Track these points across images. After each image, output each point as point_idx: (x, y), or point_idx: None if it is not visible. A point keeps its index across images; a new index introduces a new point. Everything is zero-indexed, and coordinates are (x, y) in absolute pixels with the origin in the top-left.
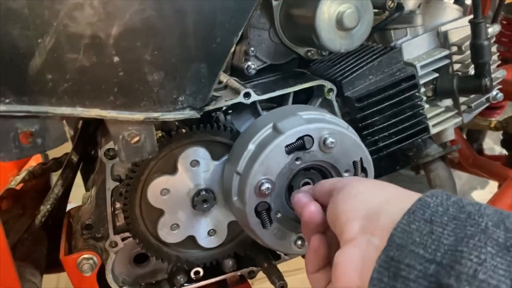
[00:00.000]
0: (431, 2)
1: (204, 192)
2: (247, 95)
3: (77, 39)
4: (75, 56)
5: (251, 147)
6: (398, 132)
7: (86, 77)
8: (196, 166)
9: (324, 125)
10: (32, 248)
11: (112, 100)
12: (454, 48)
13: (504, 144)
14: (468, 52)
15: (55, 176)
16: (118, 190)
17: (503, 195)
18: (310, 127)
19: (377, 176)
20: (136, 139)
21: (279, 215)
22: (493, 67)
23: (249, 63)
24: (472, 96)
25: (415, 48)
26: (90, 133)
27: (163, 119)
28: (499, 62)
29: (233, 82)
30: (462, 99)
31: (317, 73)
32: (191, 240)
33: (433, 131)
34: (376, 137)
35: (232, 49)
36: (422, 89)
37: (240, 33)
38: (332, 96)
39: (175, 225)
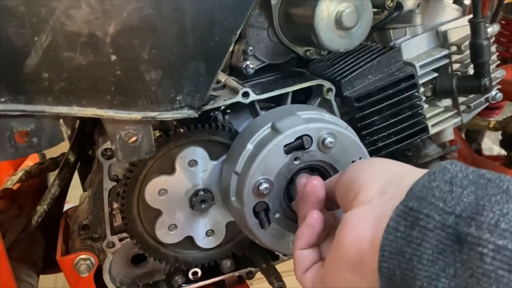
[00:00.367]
0: (431, 1)
1: (202, 192)
2: (245, 94)
3: (74, 37)
4: (71, 55)
5: (250, 146)
6: (397, 132)
7: (82, 75)
8: (194, 166)
9: (323, 124)
10: (29, 249)
11: (109, 99)
12: (454, 48)
13: (503, 144)
14: (468, 51)
15: (52, 176)
16: (115, 190)
17: None
18: (309, 127)
19: None
20: (134, 138)
21: (277, 215)
22: (492, 67)
23: (248, 62)
24: (471, 96)
25: (414, 47)
26: (87, 133)
27: (160, 118)
28: (498, 62)
29: (232, 81)
30: (461, 99)
31: (316, 73)
32: (189, 241)
33: (432, 131)
34: (375, 137)
35: (231, 48)
36: (421, 89)
37: (238, 32)
38: (331, 96)
39: (173, 226)
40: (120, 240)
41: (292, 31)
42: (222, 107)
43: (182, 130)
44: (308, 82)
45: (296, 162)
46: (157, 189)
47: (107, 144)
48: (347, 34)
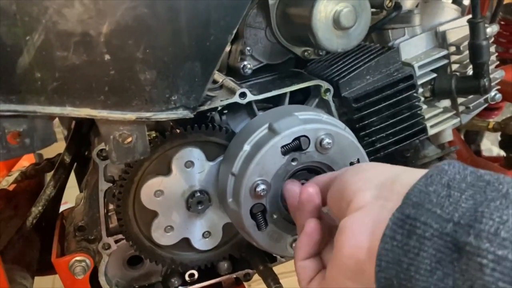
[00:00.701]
0: (429, 1)
1: (198, 194)
2: (242, 95)
3: (67, 36)
4: (64, 54)
5: (247, 147)
6: (395, 133)
7: (76, 75)
8: (191, 167)
9: (320, 125)
10: (23, 250)
11: (103, 100)
12: (452, 48)
13: (502, 145)
14: (467, 52)
15: (49, 177)
16: (111, 191)
17: None
18: (306, 128)
19: None
20: (128, 139)
21: (274, 217)
22: (491, 67)
23: (245, 62)
24: (471, 96)
25: (413, 48)
26: (83, 133)
27: (155, 119)
28: (498, 62)
29: (229, 82)
30: (460, 100)
31: (314, 73)
32: (185, 242)
33: (431, 132)
34: (373, 138)
35: (227, 48)
36: (420, 90)
37: (234, 32)
38: (329, 97)
39: (169, 227)
40: (116, 241)
41: (290, 31)
42: (219, 108)
43: (178, 131)
44: (306, 83)
45: (293, 163)
46: (153, 190)
47: (103, 145)
48: (345, 34)
